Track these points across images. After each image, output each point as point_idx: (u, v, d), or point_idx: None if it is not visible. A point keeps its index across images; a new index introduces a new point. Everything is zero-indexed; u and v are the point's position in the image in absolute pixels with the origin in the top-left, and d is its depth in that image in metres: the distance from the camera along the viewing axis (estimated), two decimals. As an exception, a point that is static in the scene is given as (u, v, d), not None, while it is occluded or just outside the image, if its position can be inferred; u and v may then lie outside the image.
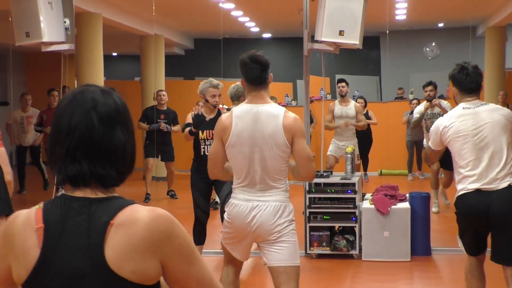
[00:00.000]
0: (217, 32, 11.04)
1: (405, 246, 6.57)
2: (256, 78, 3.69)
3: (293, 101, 12.69)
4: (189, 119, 6.03)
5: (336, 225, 6.89)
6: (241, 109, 3.73)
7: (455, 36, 12.91)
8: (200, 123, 5.93)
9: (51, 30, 6.62)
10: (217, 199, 7.75)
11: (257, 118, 3.66)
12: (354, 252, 6.65)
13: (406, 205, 6.72)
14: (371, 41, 12.31)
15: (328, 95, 12.03)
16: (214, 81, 5.98)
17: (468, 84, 4.26)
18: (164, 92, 9.82)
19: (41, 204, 1.65)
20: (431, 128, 4.46)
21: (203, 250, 6.30)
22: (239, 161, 3.70)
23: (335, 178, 6.86)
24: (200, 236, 6.06)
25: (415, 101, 10.62)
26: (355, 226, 6.69)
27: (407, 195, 6.98)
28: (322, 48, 6.51)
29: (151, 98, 10.75)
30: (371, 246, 6.59)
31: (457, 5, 11.30)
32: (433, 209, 8.38)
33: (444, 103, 8.41)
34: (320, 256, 6.72)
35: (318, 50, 6.69)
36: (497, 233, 4.12)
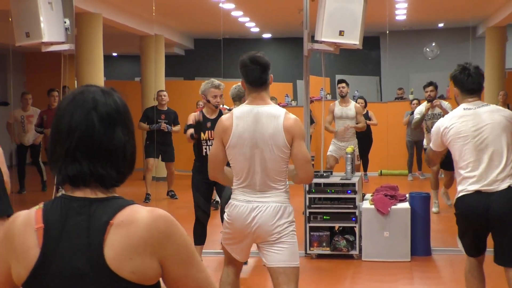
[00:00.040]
0: (217, 32, 11.04)
1: (405, 246, 6.57)
2: (256, 80, 3.69)
3: (293, 101, 12.69)
4: (190, 120, 6.01)
5: (336, 225, 6.89)
6: (242, 110, 3.73)
7: (455, 36, 12.91)
8: (201, 128, 5.92)
9: (51, 30, 6.62)
10: (218, 199, 7.75)
11: (258, 119, 3.66)
12: (354, 252, 6.65)
13: (406, 205, 6.72)
14: (371, 41, 12.31)
15: (328, 95, 12.03)
16: (216, 81, 5.98)
17: (469, 84, 4.25)
18: (164, 93, 9.82)
19: (41, 205, 1.66)
20: (432, 129, 4.46)
21: (203, 250, 6.30)
22: (239, 162, 3.70)
23: (335, 178, 6.86)
24: (200, 236, 6.07)
25: (415, 102, 10.62)
26: (355, 226, 6.69)
27: (407, 195, 6.98)
28: (322, 48, 6.51)
29: (151, 99, 10.75)
30: (371, 246, 6.59)
31: (457, 5, 11.30)
32: (433, 209, 8.38)
33: (445, 103, 8.41)
34: (320, 256, 6.72)
35: (318, 50, 6.69)
36: (497, 234, 4.12)
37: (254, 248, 3.87)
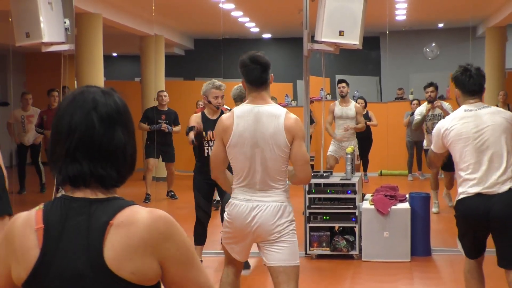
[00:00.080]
0: (217, 32, 11.04)
1: (405, 247, 6.57)
2: (256, 79, 3.69)
3: (293, 102, 12.69)
4: (192, 122, 5.99)
5: (336, 225, 6.89)
6: (242, 110, 3.73)
7: (455, 37, 12.91)
8: (201, 139, 5.90)
9: (51, 30, 6.62)
10: (219, 198, 7.75)
11: (258, 119, 3.66)
12: (354, 253, 6.65)
13: (406, 205, 6.72)
14: (371, 41, 12.31)
15: (328, 95, 12.03)
16: (217, 82, 5.96)
17: (471, 86, 4.25)
18: (165, 93, 9.82)
19: (41, 205, 1.66)
20: (432, 132, 4.45)
21: (203, 251, 6.30)
22: (239, 161, 3.70)
23: (335, 179, 6.86)
24: (200, 236, 6.07)
25: (415, 102, 10.62)
26: (355, 227, 6.69)
27: (407, 195, 6.98)
28: (322, 49, 6.51)
29: (151, 99, 10.75)
30: (371, 246, 6.59)
31: (457, 5, 11.30)
32: (433, 209, 8.38)
33: (446, 104, 8.41)
34: (320, 256, 6.72)
35: (318, 51, 6.69)
36: (498, 236, 4.11)
37: (254, 248, 3.87)
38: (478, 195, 4.07)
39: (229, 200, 3.80)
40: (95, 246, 1.56)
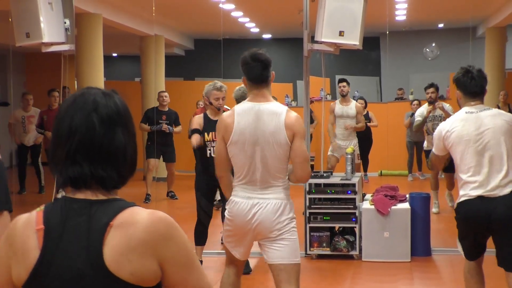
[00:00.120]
0: (217, 32, 11.05)
1: (405, 247, 6.57)
2: (257, 77, 3.69)
3: (293, 102, 12.70)
4: (195, 124, 5.98)
5: (336, 225, 6.89)
6: (243, 107, 3.73)
7: (455, 37, 12.92)
8: (206, 131, 5.90)
9: (51, 30, 6.62)
10: (220, 198, 7.75)
11: (259, 116, 3.66)
12: (354, 253, 6.65)
13: (406, 205, 6.72)
14: (371, 41, 12.32)
15: (328, 95, 12.04)
16: (218, 83, 5.94)
17: (472, 87, 4.24)
18: (166, 93, 9.83)
19: (42, 207, 1.66)
20: (434, 134, 4.44)
21: (203, 251, 6.30)
22: (240, 158, 3.70)
23: (335, 179, 6.86)
24: (201, 237, 6.06)
25: (415, 102, 10.62)
26: (355, 227, 6.69)
27: (407, 195, 6.98)
28: (322, 49, 6.51)
29: (152, 99, 10.76)
30: (371, 246, 6.59)
31: (457, 5, 11.30)
32: (433, 209, 8.38)
33: (447, 106, 8.41)
34: (320, 256, 6.72)
35: (318, 51, 6.69)
36: (499, 238, 4.10)
37: (255, 248, 3.87)
38: (480, 198, 4.06)
39: (230, 198, 3.79)
40: (95, 246, 1.56)
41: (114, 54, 14.86)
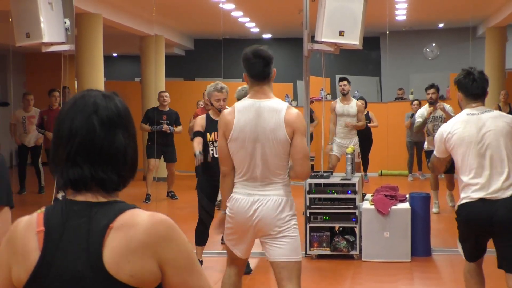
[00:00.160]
0: (217, 32, 11.05)
1: (405, 247, 6.57)
2: (259, 73, 3.69)
3: (293, 102, 12.69)
4: (197, 126, 5.97)
5: (336, 225, 6.88)
6: (244, 104, 3.73)
7: (455, 37, 12.92)
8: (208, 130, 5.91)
9: (51, 30, 6.62)
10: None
11: (260, 113, 3.66)
12: (354, 253, 6.65)
13: (406, 205, 6.72)
14: (371, 41, 12.32)
15: (328, 95, 12.03)
16: (219, 85, 5.92)
17: (474, 89, 4.24)
18: (166, 93, 9.83)
19: (43, 209, 1.66)
20: (435, 136, 4.44)
21: (204, 251, 6.30)
22: (240, 155, 3.70)
23: (335, 179, 6.85)
24: (202, 237, 6.06)
25: (416, 102, 10.62)
26: (355, 227, 6.68)
27: (407, 195, 6.98)
28: (322, 49, 6.51)
29: (152, 99, 10.76)
30: (371, 246, 6.59)
31: (457, 5, 11.30)
32: (433, 209, 8.38)
33: (447, 106, 8.40)
34: (320, 256, 6.72)
35: (318, 51, 6.69)
36: (501, 241, 4.09)
37: (255, 248, 3.87)
38: (482, 200, 4.05)
39: (231, 195, 3.79)
40: (94, 248, 1.56)
41: (114, 54, 14.87)
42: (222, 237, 6.98)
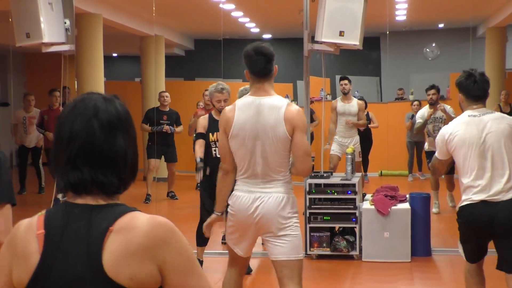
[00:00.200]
0: (217, 32, 11.05)
1: (405, 247, 6.57)
2: (260, 70, 3.68)
3: (293, 102, 12.68)
4: (199, 127, 5.97)
5: (337, 225, 6.88)
6: (244, 101, 3.73)
7: (455, 37, 12.92)
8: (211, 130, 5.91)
9: (51, 30, 6.62)
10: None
11: (260, 111, 3.66)
12: (354, 253, 6.65)
13: (406, 205, 6.72)
14: (371, 41, 12.32)
15: (328, 95, 12.03)
16: (220, 85, 5.92)
17: (475, 91, 4.23)
18: (167, 94, 9.83)
19: (43, 211, 1.66)
20: (436, 138, 4.43)
21: (204, 251, 6.30)
22: (240, 153, 3.70)
23: (335, 179, 6.86)
24: (203, 237, 6.05)
25: (416, 103, 10.61)
26: (355, 227, 6.68)
27: (407, 195, 6.98)
28: (322, 49, 6.51)
29: (152, 99, 10.76)
30: (372, 246, 6.59)
31: (457, 5, 11.30)
32: (434, 209, 8.38)
33: (448, 107, 8.40)
34: (320, 256, 6.72)
35: (318, 51, 6.69)
36: (502, 242, 4.09)
37: (256, 248, 3.86)
38: (483, 202, 4.05)
39: (232, 192, 3.79)
40: (94, 251, 1.56)
41: (114, 54, 14.87)
42: (223, 237, 7.00)
